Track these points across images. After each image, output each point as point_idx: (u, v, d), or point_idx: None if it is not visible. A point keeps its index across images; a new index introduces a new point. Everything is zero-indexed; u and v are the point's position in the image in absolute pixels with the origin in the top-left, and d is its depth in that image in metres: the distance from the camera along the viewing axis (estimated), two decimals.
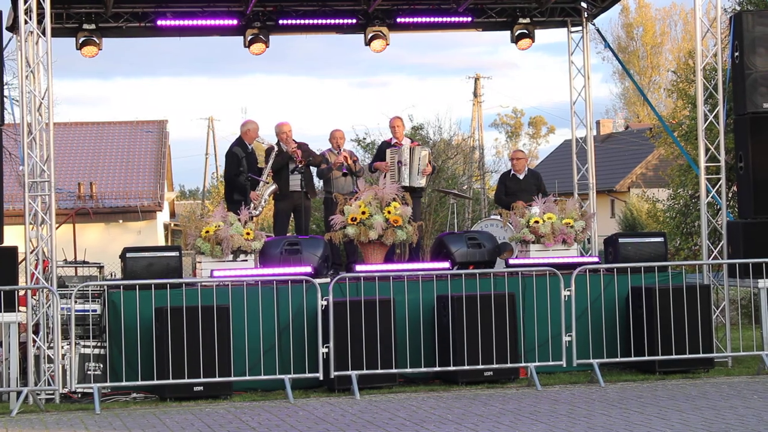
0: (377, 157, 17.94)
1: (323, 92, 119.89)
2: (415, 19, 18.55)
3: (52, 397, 13.53)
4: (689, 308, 14.55)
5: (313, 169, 17.74)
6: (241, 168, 16.70)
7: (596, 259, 16.20)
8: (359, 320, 13.79)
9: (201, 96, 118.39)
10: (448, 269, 15.04)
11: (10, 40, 15.56)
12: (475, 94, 58.11)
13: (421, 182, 17.46)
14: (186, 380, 13.36)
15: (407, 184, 17.01)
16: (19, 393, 13.11)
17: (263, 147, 17.25)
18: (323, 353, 13.67)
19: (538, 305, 14.71)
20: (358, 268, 14.88)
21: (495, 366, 14.11)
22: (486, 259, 15.69)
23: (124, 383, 13.61)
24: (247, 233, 14.74)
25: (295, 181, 17.09)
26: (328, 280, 14.29)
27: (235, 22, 17.94)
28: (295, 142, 17.06)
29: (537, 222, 15.67)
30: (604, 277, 15.06)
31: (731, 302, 16.12)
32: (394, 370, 13.93)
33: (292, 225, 17.90)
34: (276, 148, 16.96)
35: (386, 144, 17.87)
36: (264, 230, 16.02)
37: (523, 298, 14.74)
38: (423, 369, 14.25)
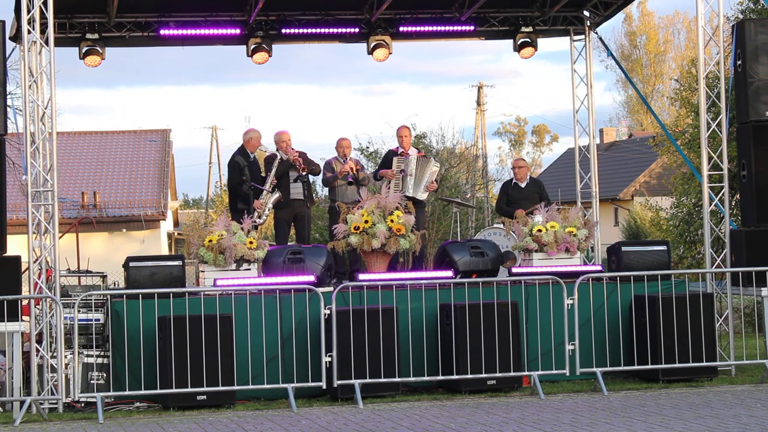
0: (383, 165, 17.94)
1: (326, 101, 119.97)
2: (418, 28, 18.57)
3: (56, 406, 13.53)
4: (692, 317, 14.55)
5: (318, 177, 17.76)
6: (243, 177, 16.72)
7: (599, 268, 16.19)
8: (362, 329, 13.79)
9: (204, 105, 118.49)
10: (451, 278, 15.05)
11: (13, 49, 15.60)
12: (478, 103, 58.14)
13: (423, 196, 17.48)
14: (189, 389, 13.36)
15: (410, 194, 17.03)
16: (22, 402, 13.11)
17: (265, 155, 17.27)
18: (326, 362, 13.67)
19: (541, 314, 14.72)
20: (361, 276, 14.89)
21: (498, 375, 14.10)
22: (489, 267, 15.69)
23: (127, 392, 13.62)
24: (250, 242, 14.75)
25: (296, 190, 17.12)
26: (331, 289, 14.29)
27: (237, 31, 17.97)
28: (295, 151, 17.08)
29: (540, 230, 15.67)
30: (607, 286, 15.05)
31: (734, 310, 16.10)
32: (397, 379, 13.93)
33: (292, 234, 17.90)
34: (278, 157, 16.97)
35: (392, 153, 17.89)
36: (267, 239, 16.03)
37: (526, 306, 14.73)
38: (426, 378, 14.25)
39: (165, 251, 41.87)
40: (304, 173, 17.00)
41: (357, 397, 13.49)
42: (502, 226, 17.13)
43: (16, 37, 15.59)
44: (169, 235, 47.09)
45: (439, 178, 18.03)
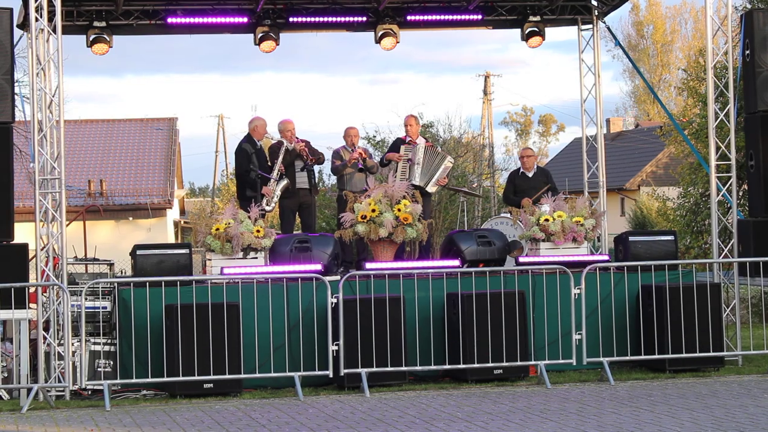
0: (390, 151, 17.92)
1: (333, 90, 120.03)
2: (426, 17, 18.51)
3: (63, 394, 13.55)
4: (699, 307, 14.54)
5: (326, 165, 17.72)
6: (251, 164, 16.71)
7: (606, 258, 16.17)
8: (369, 318, 13.79)
9: (211, 93, 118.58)
10: (458, 267, 15.03)
11: (21, 37, 15.58)
12: (485, 92, 58.06)
13: (433, 189, 17.50)
14: (196, 377, 13.38)
15: (417, 183, 17.01)
16: (29, 390, 13.13)
17: (270, 143, 17.27)
18: (333, 351, 13.67)
19: (548, 303, 14.70)
20: (368, 265, 14.88)
21: (505, 364, 14.11)
22: (496, 257, 15.68)
23: (134, 380, 13.64)
24: (257, 230, 14.75)
25: (301, 179, 17.10)
26: (338, 277, 14.30)
27: (245, 19, 17.93)
28: (300, 140, 17.07)
29: (547, 220, 15.65)
30: (615, 276, 15.05)
31: (741, 301, 16.09)
32: (403, 368, 13.93)
33: (297, 222, 17.89)
34: (284, 144, 16.95)
35: (401, 141, 17.87)
36: (273, 228, 16.03)
37: (533, 296, 14.73)
38: (433, 367, 14.25)
39: (171, 239, 41.94)
40: (311, 163, 17.00)
41: (364, 385, 13.50)
42: (509, 215, 17.13)
43: (24, 25, 15.58)
44: (176, 224, 47.14)
45: (449, 174, 18.00)
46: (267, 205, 16.35)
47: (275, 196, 16.65)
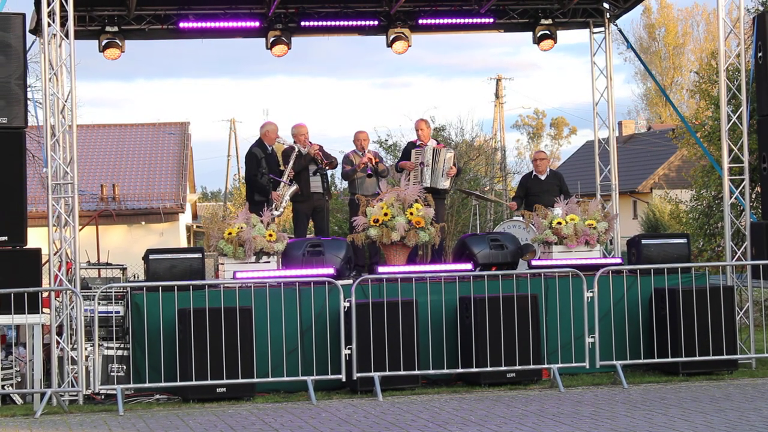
0: (403, 157, 17.94)
1: (344, 93, 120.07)
2: (437, 21, 18.53)
3: (76, 398, 13.57)
4: (713, 310, 14.50)
5: (338, 170, 17.74)
6: (261, 169, 16.73)
7: (619, 261, 16.16)
8: (382, 322, 13.78)
9: (223, 98, 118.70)
10: (471, 270, 15.02)
11: (33, 42, 15.64)
12: (497, 95, 58.10)
13: (445, 184, 17.48)
14: (209, 382, 13.39)
15: (429, 185, 17.01)
16: (42, 394, 13.16)
17: (283, 148, 17.29)
18: (346, 355, 13.67)
19: (561, 307, 14.69)
20: (381, 269, 14.87)
21: (518, 367, 14.09)
22: (508, 260, 15.67)
23: (147, 385, 13.65)
24: (270, 235, 14.76)
25: (315, 183, 17.14)
26: (351, 281, 14.29)
27: (257, 23, 17.97)
28: (315, 145, 17.07)
29: (560, 223, 15.64)
30: (627, 279, 15.02)
31: (755, 303, 16.03)
32: (416, 372, 13.92)
33: (310, 226, 17.90)
34: (295, 149, 16.96)
35: (411, 145, 17.90)
36: (286, 232, 16.04)
37: (545, 299, 14.71)
38: (445, 370, 14.24)
39: (183, 244, 41.97)
40: (327, 167, 17.03)
41: (376, 389, 13.49)
42: (521, 218, 17.11)
43: (37, 30, 15.62)
44: (188, 228, 47.19)
45: (456, 162, 17.94)
46: (276, 209, 16.35)
47: (284, 200, 16.66)
